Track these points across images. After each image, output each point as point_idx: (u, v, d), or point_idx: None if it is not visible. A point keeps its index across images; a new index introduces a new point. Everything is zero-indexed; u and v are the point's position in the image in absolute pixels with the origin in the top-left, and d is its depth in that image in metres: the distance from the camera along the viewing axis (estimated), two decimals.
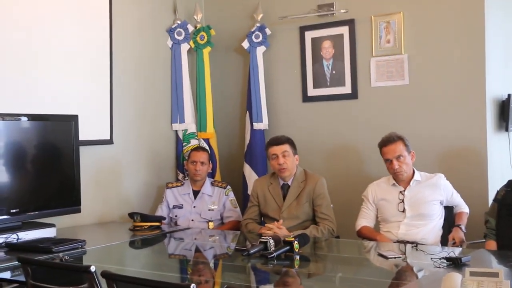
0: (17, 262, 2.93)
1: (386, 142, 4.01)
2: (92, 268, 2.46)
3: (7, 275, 3.15)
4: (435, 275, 2.78)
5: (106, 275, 2.38)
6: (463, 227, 3.86)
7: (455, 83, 4.47)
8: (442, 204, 3.99)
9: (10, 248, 3.57)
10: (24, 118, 3.98)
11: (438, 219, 3.95)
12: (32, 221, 4.00)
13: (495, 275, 2.29)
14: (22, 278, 2.94)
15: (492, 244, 3.68)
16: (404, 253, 3.39)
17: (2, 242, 3.62)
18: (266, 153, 4.35)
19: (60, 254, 3.27)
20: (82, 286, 2.51)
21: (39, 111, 4.13)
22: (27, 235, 3.75)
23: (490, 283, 2.25)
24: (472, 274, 2.32)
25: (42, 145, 4.11)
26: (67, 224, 4.32)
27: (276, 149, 4.18)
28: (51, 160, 4.16)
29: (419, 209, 3.93)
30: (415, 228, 3.90)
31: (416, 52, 4.62)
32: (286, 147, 4.19)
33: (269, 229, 3.94)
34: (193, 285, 2.13)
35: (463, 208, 4.04)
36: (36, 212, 3.99)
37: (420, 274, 3.00)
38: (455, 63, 4.47)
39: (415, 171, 4.03)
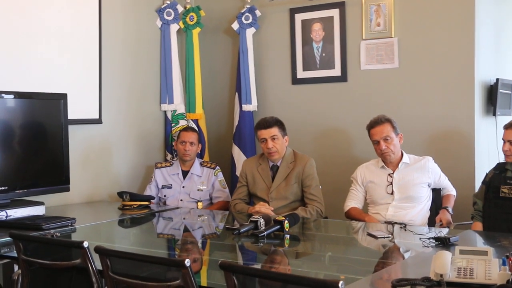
0: (6, 238, 2.94)
1: (374, 124, 4.05)
2: (85, 244, 2.47)
3: None
4: (424, 255, 2.83)
5: (99, 250, 2.38)
6: (450, 209, 3.91)
7: (444, 66, 4.50)
8: (429, 187, 4.03)
9: (0, 225, 3.56)
10: (10, 96, 3.94)
11: (426, 201, 4.00)
12: (21, 199, 3.99)
13: (484, 253, 2.32)
14: (12, 254, 2.95)
15: (479, 226, 3.74)
16: (392, 233, 3.43)
17: None
18: (255, 135, 4.35)
19: (51, 231, 3.27)
20: (75, 261, 2.52)
21: (29, 90, 4.10)
22: (15, 213, 3.75)
23: (479, 261, 2.29)
24: (462, 252, 2.35)
25: (31, 123, 4.09)
26: (56, 203, 4.32)
27: (265, 133, 4.18)
28: (40, 138, 4.14)
29: (407, 191, 3.96)
30: (403, 210, 3.94)
31: (406, 35, 4.63)
32: (275, 130, 4.19)
33: (259, 209, 3.96)
34: (187, 260, 2.14)
35: (451, 190, 4.09)
36: (25, 190, 3.98)
37: (409, 254, 3.04)
38: (444, 47, 4.49)
39: (404, 153, 4.07)
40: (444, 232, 3.31)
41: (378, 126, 4.01)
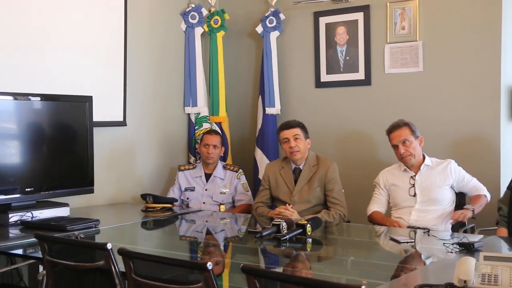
0: (32, 239, 2.97)
1: (392, 128, 4.07)
2: (109, 246, 2.49)
3: (23, 251, 3.21)
4: (447, 260, 2.81)
5: (123, 252, 2.40)
6: (470, 207, 3.77)
7: (469, 70, 4.46)
8: (453, 189, 3.99)
9: (25, 225, 3.62)
10: (37, 98, 3.99)
11: (449, 204, 3.96)
12: (46, 200, 4.04)
13: (510, 259, 2.29)
14: (37, 255, 2.99)
15: (504, 231, 3.69)
16: (415, 239, 3.40)
17: (18, 220, 3.67)
18: (278, 138, 4.37)
19: (76, 232, 3.31)
20: (98, 263, 2.54)
21: (54, 92, 4.15)
22: (41, 214, 3.79)
23: (504, 267, 2.26)
24: (486, 258, 2.32)
25: (56, 125, 4.14)
26: (80, 205, 4.36)
27: (287, 133, 4.21)
28: (65, 140, 4.19)
29: (430, 193, 3.94)
30: (427, 214, 3.91)
31: (431, 39, 4.60)
32: (297, 130, 4.22)
33: (279, 213, 3.97)
34: (209, 263, 2.15)
35: (481, 190, 3.97)
36: (50, 192, 4.02)
37: (432, 259, 3.01)
38: (470, 50, 4.45)
39: (426, 156, 4.04)
40: (469, 237, 3.27)
41: (396, 131, 4.02)
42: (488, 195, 3.97)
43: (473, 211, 3.74)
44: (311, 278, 2.45)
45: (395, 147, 4.02)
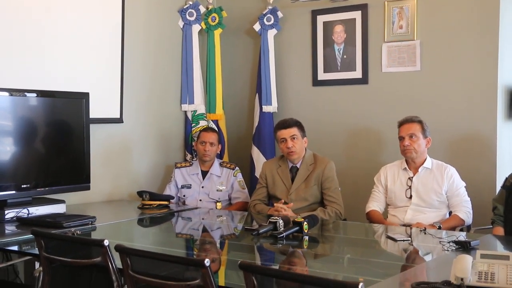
0: (28, 235, 2.97)
1: (404, 121, 4.08)
2: (106, 242, 2.49)
3: (18, 248, 3.20)
4: (444, 258, 2.81)
5: (120, 249, 2.40)
6: (437, 224, 3.73)
7: (467, 70, 4.46)
8: (446, 194, 3.98)
9: (21, 222, 3.62)
10: (33, 94, 3.98)
11: (444, 208, 3.96)
12: (42, 197, 4.03)
13: (506, 258, 2.30)
14: (33, 251, 2.98)
15: (500, 230, 3.69)
16: (411, 237, 3.40)
17: (14, 217, 3.67)
18: (275, 136, 4.36)
19: (72, 229, 3.30)
20: (95, 259, 2.54)
21: (51, 89, 4.13)
22: (37, 210, 3.79)
23: (500, 265, 2.27)
24: (483, 256, 2.33)
25: (53, 122, 4.13)
26: (76, 201, 4.35)
27: (285, 133, 4.20)
28: (62, 137, 4.18)
29: (424, 197, 3.95)
30: (422, 213, 3.92)
31: (428, 38, 4.60)
32: (295, 130, 4.21)
33: (277, 209, 3.96)
34: (207, 260, 2.15)
35: (460, 212, 3.87)
36: (46, 188, 4.01)
37: (429, 257, 3.02)
38: (467, 50, 4.45)
39: (428, 158, 4.03)
40: (464, 236, 3.28)
41: (407, 124, 4.04)
42: (467, 220, 3.87)
43: (439, 227, 3.70)
44: (308, 275, 2.46)
45: (401, 138, 4.03)
